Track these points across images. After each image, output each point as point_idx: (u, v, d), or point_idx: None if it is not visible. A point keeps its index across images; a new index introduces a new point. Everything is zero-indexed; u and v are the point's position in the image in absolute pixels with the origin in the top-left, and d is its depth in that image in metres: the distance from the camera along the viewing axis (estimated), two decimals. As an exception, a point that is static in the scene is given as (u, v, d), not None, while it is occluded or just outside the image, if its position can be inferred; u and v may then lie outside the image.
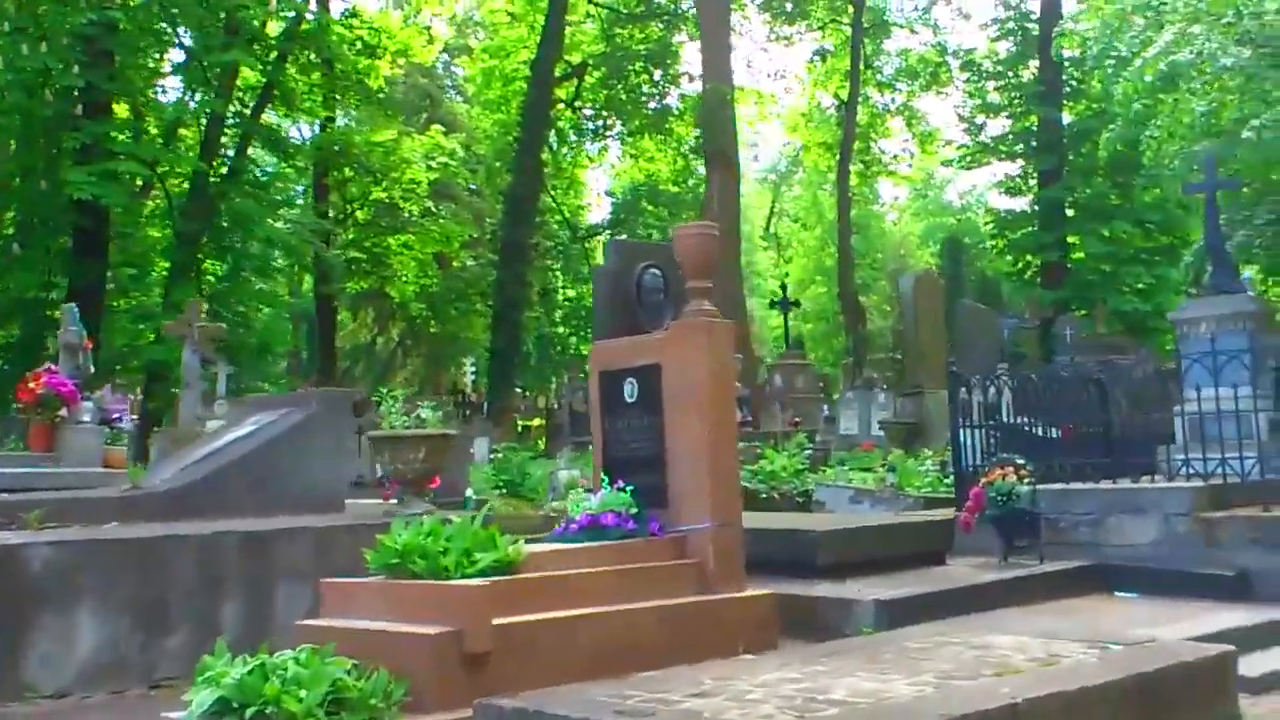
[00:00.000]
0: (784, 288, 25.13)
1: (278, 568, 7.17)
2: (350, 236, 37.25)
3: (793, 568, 7.95)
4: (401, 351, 46.89)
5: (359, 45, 32.81)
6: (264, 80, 28.75)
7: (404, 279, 37.77)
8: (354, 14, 34.21)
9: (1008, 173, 33.88)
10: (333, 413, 8.20)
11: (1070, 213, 31.34)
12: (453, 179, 37.67)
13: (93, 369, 10.12)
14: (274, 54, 28.76)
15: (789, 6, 38.35)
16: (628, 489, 6.99)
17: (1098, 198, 30.34)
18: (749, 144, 57.77)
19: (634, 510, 6.89)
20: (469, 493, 11.96)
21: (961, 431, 9.89)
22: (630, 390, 7.31)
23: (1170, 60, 13.07)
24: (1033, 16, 31.81)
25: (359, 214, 37.72)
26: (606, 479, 7.17)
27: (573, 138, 40.96)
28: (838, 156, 37.44)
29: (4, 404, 22.59)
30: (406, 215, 35.91)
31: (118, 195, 21.87)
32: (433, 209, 36.94)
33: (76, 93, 23.35)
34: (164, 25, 24.94)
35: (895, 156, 42.13)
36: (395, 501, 8.10)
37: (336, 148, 34.15)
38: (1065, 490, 9.05)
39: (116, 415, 9.56)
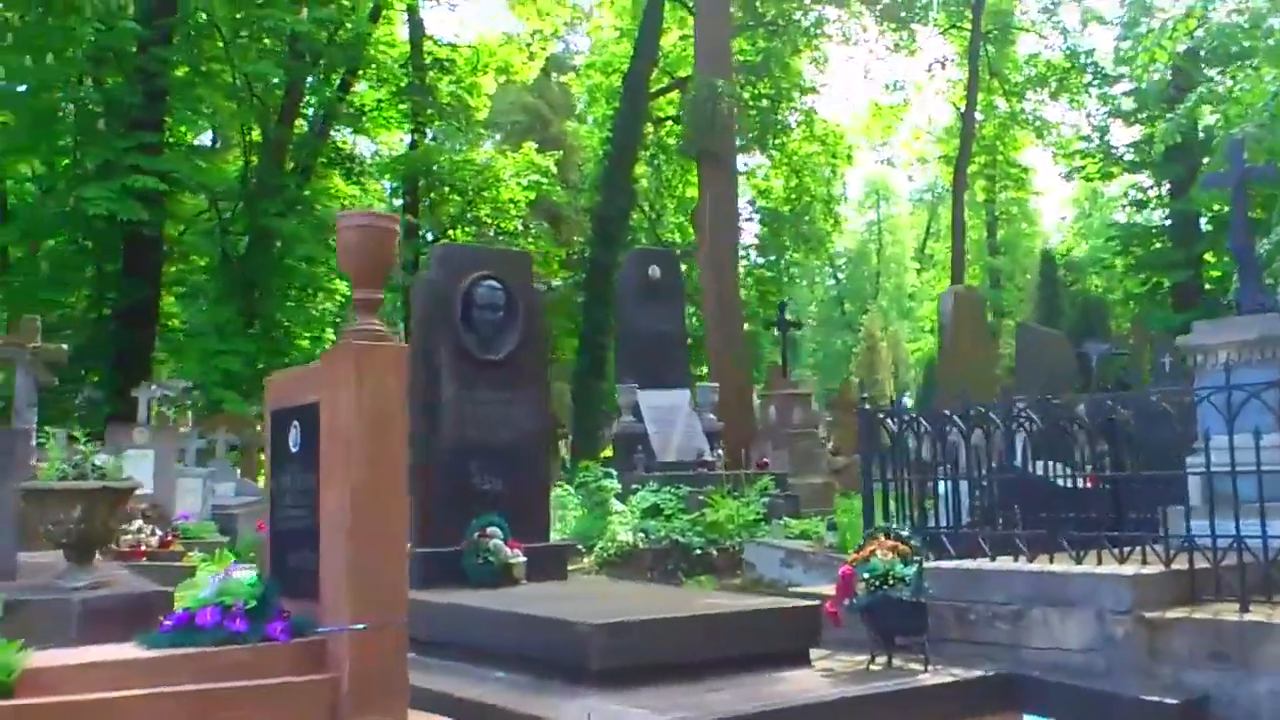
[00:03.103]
0: (782, 307, 22.49)
1: None
2: (440, 257, 35.91)
3: (562, 672, 5.92)
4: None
5: (434, 63, 31.80)
6: (328, 99, 27.67)
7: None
8: (453, 52, 33.50)
9: (1139, 184, 30.66)
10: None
11: (1207, 227, 28.07)
12: (548, 196, 36.13)
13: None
14: (337, 74, 27.73)
15: (902, 14, 35.69)
16: (255, 574, 5.07)
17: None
18: (908, 164, 54.95)
19: (252, 604, 4.93)
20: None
21: (887, 482, 7.66)
22: (294, 437, 5.35)
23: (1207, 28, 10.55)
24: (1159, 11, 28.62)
25: (456, 234, 36.38)
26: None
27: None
28: (954, 169, 34.68)
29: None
30: (494, 234, 34.42)
31: (133, 211, 20.71)
32: (525, 228, 35.47)
33: (103, 108, 22.43)
34: (203, 35, 23.81)
35: (1025, 169, 39.05)
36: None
37: (434, 166, 32.95)
38: (977, 571, 6.75)
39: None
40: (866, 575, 6.36)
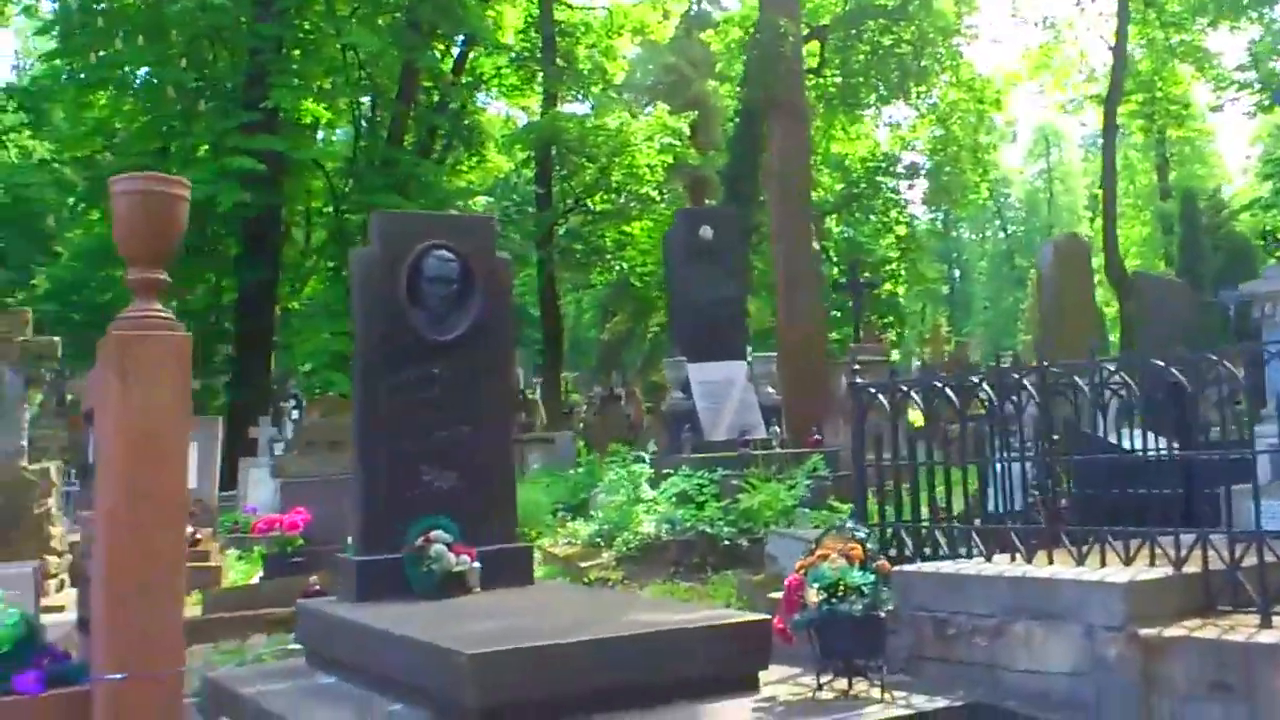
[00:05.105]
0: (854, 266, 20.73)
1: None
2: (574, 224, 35.20)
3: (450, 710, 5.13)
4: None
5: (561, 29, 31.29)
6: (443, 72, 27.35)
7: (637, 266, 35.45)
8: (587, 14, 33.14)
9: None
10: None
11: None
12: (684, 159, 35.10)
13: None
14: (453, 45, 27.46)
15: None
16: (18, 613, 4.36)
17: None
18: (1061, 106, 52.40)
19: (6, 648, 4.23)
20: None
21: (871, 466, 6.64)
22: (92, 446, 4.65)
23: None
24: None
25: (594, 202, 35.57)
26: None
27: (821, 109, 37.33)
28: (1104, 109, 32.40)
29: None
30: (624, 201, 33.61)
31: (233, 193, 20.52)
32: (661, 193, 34.54)
33: (207, 90, 22.44)
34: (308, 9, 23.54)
35: (1186, 105, 36.40)
36: None
37: (563, 134, 32.29)
38: (957, 576, 5.70)
39: None
40: (815, 585, 5.40)
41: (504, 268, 7.48)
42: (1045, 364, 6.09)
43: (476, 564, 6.85)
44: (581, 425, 27.72)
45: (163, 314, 4.42)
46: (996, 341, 52.74)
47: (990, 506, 7.24)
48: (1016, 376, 6.11)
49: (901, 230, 35.82)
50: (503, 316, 7.43)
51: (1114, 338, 46.09)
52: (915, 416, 7.22)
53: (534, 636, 5.35)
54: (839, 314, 30.77)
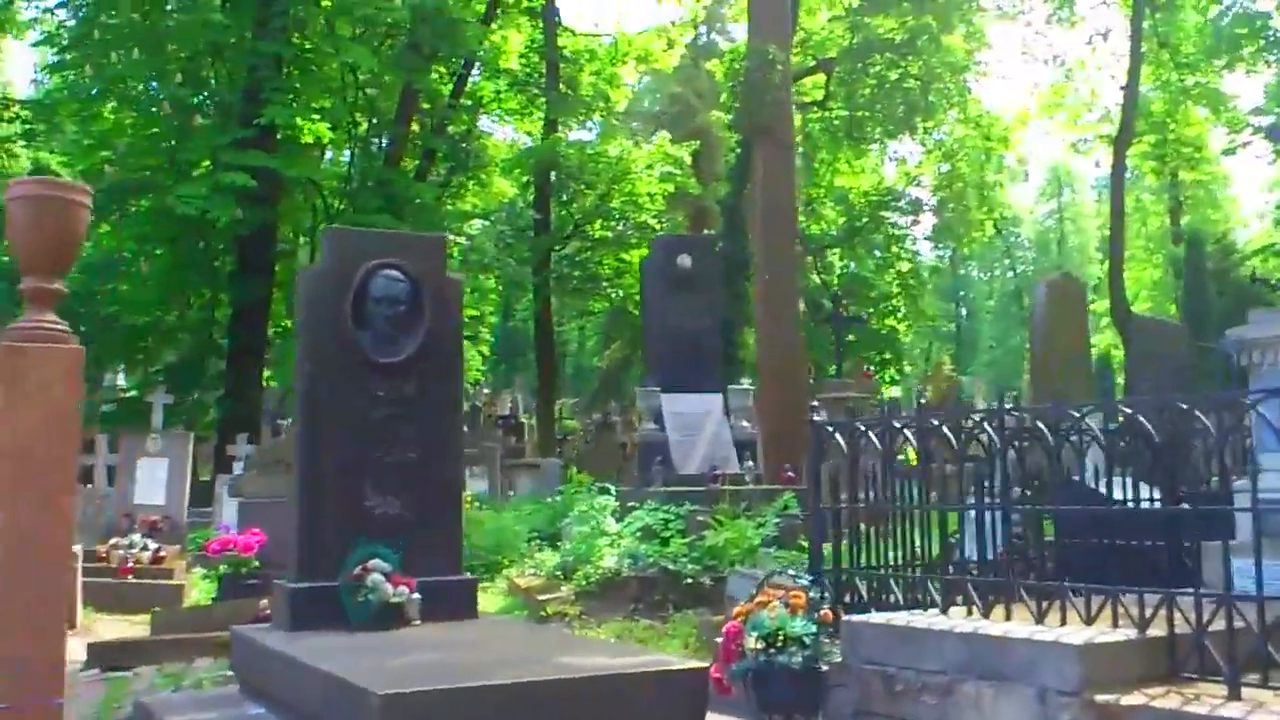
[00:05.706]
0: (836, 299, 20.40)
1: None
2: (572, 250, 34.93)
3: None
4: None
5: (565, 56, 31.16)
6: (439, 94, 27.15)
7: (633, 294, 35.19)
8: (591, 41, 33.03)
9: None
10: None
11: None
12: (685, 189, 34.86)
13: None
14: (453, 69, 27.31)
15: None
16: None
17: None
18: (1071, 146, 52.17)
19: None
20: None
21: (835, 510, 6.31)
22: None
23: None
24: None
25: (593, 229, 35.27)
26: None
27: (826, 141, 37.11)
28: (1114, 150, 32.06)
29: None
30: (623, 228, 33.36)
31: (227, 209, 20.28)
32: (659, 222, 34.28)
33: (207, 105, 22.28)
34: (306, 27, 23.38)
35: (1199, 149, 36.13)
36: None
37: (562, 159, 32.04)
38: (907, 629, 5.36)
39: None
40: (754, 633, 5.08)
41: (451, 289, 7.19)
42: (1007, 407, 5.77)
43: (416, 595, 6.55)
44: (576, 453, 27.50)
45: (57, 325, 4.13)
46: (1002, 382, 52.29)
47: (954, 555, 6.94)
48: (976, 419, 5.78)
49: (905, 266, 35.52)
50: (449, 338, 7.13)
51: (1120, 381, 45.69)
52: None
53: (457, 677, 5.04)
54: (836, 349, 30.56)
